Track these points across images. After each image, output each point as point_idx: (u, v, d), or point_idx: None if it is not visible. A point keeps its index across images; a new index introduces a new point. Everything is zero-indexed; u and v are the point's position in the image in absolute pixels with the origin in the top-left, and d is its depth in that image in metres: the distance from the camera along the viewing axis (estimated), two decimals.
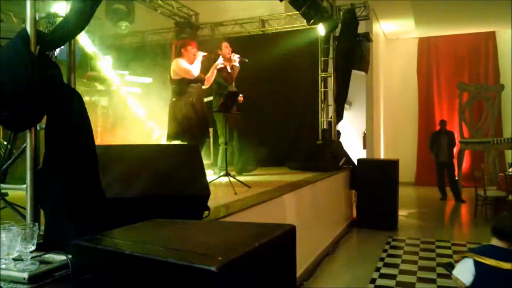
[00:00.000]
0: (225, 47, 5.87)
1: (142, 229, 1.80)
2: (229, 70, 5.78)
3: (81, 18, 1.98)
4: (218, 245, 1.58)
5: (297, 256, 1.76)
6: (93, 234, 1.66)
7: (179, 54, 5.12)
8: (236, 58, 5.79)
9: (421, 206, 9.28)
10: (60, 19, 2.05)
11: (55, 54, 2.16)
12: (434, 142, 9.53)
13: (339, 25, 7.35)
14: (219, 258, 1.25)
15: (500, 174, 8.01)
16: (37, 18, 1.99)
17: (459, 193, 9.21)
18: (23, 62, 1.80)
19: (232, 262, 1.28)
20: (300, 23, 7.65)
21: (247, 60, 5.84)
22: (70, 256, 1.64)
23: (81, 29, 2.06)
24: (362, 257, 5.48)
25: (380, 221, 6.69)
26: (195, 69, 5.03)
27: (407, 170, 11.01)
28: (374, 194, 6.74)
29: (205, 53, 5.16)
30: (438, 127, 9.85)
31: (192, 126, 5.01)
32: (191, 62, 5.07)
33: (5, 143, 2.35)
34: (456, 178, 9.49)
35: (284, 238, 1.65)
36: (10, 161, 2.14)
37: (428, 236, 6.32)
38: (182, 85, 5.03)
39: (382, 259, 5.22)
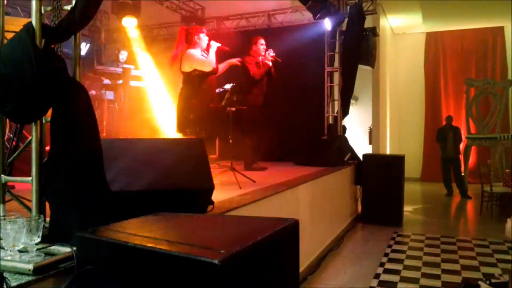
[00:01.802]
0: (260, 44, 5.89)
1: (146, 222, 1.81)
2: (260, 66, 5.79)
3: (87, 12, 1.99)
4: (221, 238, 1.59)
5: (301, 251, 1.76)
6: (98, 226, 1.68)
7: (190, 42, 4.95)
8: (269, 56, 5.82)
9: (427, 202, 9.25)
10: (66, 12, 2.06)
11: (61, 48, 2.17)
12: (440, 137, 9.49)
13: (346, 20, 7.30)
14: (222, 251, 1.26)
15: (507, 170, 7.95)
16: (43, 12, 1.99)
17: (465, 189, 9.17)
18: (29, 55, 1.81)
19: (235, 256, 1.28)
20: (306, 17, 7.63)
21: (280, 60, 5.90)
22: (74, 248, 1.65)
23: (86, 22, 2.07)
24: (366, 252, 5.48)
25: (385, 217, 6.68)
26: (211, 62, 4.86)
27: (413, 166, 10.97)
28: (379, 190, 6.73)
29: (219, 44, 4.99)
30: (444, 123, 9.80)
31: (202, 119, 4.91)
32: (204, 51, 4.93)
33: (11, 135, 2.37)
34: (463, 174, 9.44)
35: (287, 232, 1.66)
36: (16, 153, 2.16)
37: (433, 232, 6.30)
38: (195, 77, 4.89)
39: (386, 255, 5.21)
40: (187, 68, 4.86)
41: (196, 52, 4.87)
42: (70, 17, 1.97)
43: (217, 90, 5.66)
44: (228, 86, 5.49)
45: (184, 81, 4.99)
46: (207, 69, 4.85)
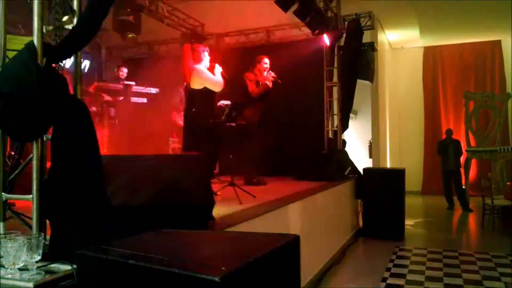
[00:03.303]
0: (264, 63, 5.95)
1: (146, 239, 1.81)
2: (259, 85, 5.84)
3: (88, 31, 2.02)
4: (221, 255, 1.59)
5: (302, 266, 1.75)
6: (98, 243, 1.67)
7: (197, 59, 4.95)
8: (270, 77, 5.88)
9: (428, 215, 9.21)
10: (67, 31, 2.09)
11: (62, 66, 2.19)
12: (441, 151, 9.50)
13: (344, 35, 7.38)
14: (222, 268, 1.26)
15: (508, 183, 7.95)
16: (44, 31, 2.02)
17: (466, 202, 9.14)
18: (30, 74, 1.83)
19: (235, 272, 1.28)
20: (305, 33, 7.71)
21: (280, 81, 5.96)
22: (75, 266, 1.65)
23: (88, 41, 2.09)
24: (368, 267, 5.44)
25: (387, 231, 6.65)
26: (221, 82, 4.87)
27: (413, 179, 10.96)
28: (380, 204, 6.71)
29: (221, 69, 5.01)
30: (444, 136, 9.82)
31: (210, 137, 4.87)
32: (208, 69, 4.95)
33: (12, 153, 2.38)
34: (464, 187, 9.42)
35: (288, 248, 1.65)
36: (17, 171, 2.16)
37: (435, 246, 6.26)
38: (204, 95, 4.85)
39: (388, 269, 5.18)
40: (196, 85, 4.82)
41: (204, 69, 4.87)
42: (72, 36, 2.00)
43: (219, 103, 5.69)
44: (224, 102, 5.50)
45: (191, 98, 4.92)
46: (217, 89, 4.87)
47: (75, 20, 2.13)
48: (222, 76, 5.03)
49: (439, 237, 7.09)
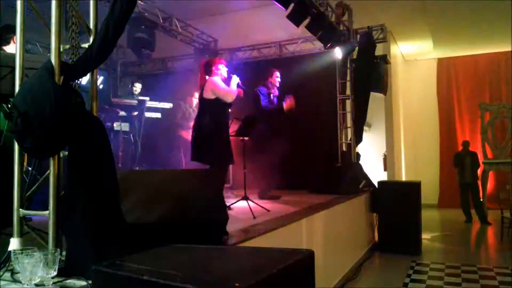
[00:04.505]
0: (276, 76, 6.00)
1: (161, 254, 1.81)
2: (272, 98, 5.89)
3: (104, 49, 2.05)
4: (236, 271, 1.58)
5: (317, 282, 1.73)
6: (113, 259, 1.68)
7: (210, 73, 4.96)
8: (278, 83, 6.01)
9: (445, 229, 9.06)
10: (83, 49, 2.14)
11: (78, 83, 2.24)
12: (458, 163, 9.37)
13: (356, 48, 7.38)
14: (236, 284, 1.25)
15: None
16: (61, 49, 2.07)
17: (484, 215, 8.97)
18: (48, 92, 1.87)
19: None
20: (317, 47, 7.74)
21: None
22: (90, 282, 1.66)
23: (104, 59, 2.13)
24: (385, 282, 5.35)
25: (403, 245, 6.54)
26: (233, 92, 4.86)
27: (429, 192, 10.80)
28: (396, 217, 6.62)
29: (239, 80, 5.01)
30: (460, 148, 9.69)
31: (219, 148, 4.84)
32: (224, 79, 4.96)
33: (30, 169, 2.42)
34: (481, 200, 9.25)
35: (302, 264, 1.64)
36: (34, 187, 2.20)
37: (453, 260, 6.14)
38: (217, 105, 4.85)
39: (405, 285, 5.08)
40: (210, 94, 4.79)
41: (218, 80, 4.85)
42: (88, 55, 2.04)
43: None
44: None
45: (203, 109, 4.89)
46: (229, 99, 4.84)
47: (91, 39, 2.18)
48: (239, 86, 5.02)
49: (457, 251, 6.95)
